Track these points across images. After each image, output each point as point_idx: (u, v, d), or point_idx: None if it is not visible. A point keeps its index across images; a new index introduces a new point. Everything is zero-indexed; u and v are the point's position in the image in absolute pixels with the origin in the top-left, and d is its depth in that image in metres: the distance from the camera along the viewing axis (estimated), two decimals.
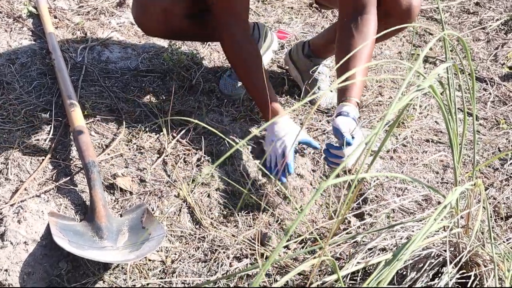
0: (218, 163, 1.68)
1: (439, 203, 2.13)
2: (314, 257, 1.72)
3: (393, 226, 1.60)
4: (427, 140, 2.47)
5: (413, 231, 1.64)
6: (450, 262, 1.46)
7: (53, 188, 1.96)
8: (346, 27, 2.04)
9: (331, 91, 2.62)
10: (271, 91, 2.16)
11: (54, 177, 2.01)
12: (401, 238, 1.69)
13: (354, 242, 1.78)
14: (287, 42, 3.00)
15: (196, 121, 1.43)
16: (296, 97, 2.59)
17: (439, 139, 2.47)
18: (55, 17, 2.92)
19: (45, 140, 2.15)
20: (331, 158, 1.94)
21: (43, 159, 2.06)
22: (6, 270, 1.64)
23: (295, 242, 1.90)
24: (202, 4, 2.24)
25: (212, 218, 1.96)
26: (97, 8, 3.05)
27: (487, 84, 2.86)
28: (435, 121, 2.59)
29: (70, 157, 2.10)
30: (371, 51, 2.04)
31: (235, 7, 2.17)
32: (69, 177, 2.01)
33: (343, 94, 2.00)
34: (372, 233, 1.70)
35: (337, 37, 2.10)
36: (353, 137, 1.90)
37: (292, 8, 3.32)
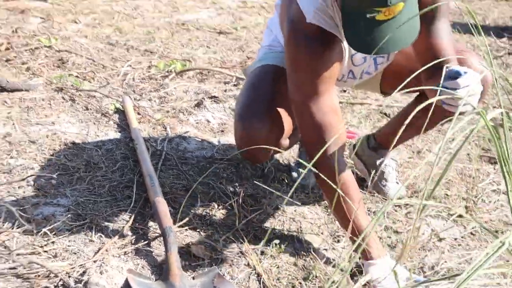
0: None
1: None
2: None
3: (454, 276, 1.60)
4: (496, 231, 2.47)
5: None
6: None
7: (131, 251, 2.07)
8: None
9: (397, 182, 2.68)
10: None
11: (132, 241, 2.13)
12: None
13: None
14: (355, 141, 3.12)
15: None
16: (365, 188, 2.67)
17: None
18: (138, 114, 3.17)
19: (126, 210, 2.29)
20: (446, 104, 1.85)
21: (123, 226, 2.19)
22: None
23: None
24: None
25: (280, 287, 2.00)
26: (176, 108, 3.29)
27: None
28: (505, 215, 2.59)
29: (149, 226, 2.22)
30: None
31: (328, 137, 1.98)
32: (146, 242, 2.12)
33: None
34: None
35: None
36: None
37: (360, 112, 3.48)
